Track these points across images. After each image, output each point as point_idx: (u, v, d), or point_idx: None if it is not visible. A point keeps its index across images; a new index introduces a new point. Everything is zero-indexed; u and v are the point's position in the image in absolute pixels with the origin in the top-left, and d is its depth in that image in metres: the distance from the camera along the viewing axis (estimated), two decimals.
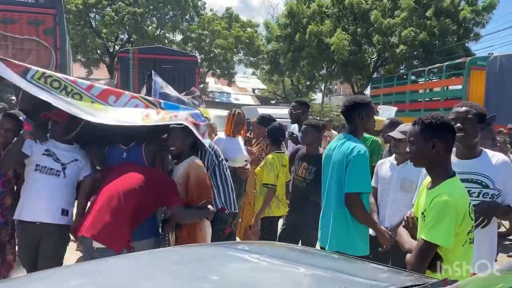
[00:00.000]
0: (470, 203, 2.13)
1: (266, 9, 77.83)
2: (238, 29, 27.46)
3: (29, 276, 1.96)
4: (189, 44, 27.35)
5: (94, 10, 25.96)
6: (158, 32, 27.11)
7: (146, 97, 3.70)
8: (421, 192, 2.31)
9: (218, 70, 27.63)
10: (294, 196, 4.47)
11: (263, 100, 32.02)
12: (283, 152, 4.68)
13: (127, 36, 27.24)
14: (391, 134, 3.88)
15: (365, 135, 5.11)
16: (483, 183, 2.53)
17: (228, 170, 4.06)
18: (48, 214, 3.23)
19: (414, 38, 17.73)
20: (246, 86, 35.71)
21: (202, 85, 25.05)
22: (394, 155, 3.73)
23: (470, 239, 2.14)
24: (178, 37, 28.03)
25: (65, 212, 3.28)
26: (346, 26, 20.58)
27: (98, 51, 27.28)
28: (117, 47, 26.59)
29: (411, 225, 2.33)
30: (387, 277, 1.70)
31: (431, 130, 2.13)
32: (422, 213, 2.14)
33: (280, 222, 4.70)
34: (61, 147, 3.39)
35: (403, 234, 2.35)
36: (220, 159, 3.96)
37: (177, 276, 1.61)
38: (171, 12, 27.12)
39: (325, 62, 21.55)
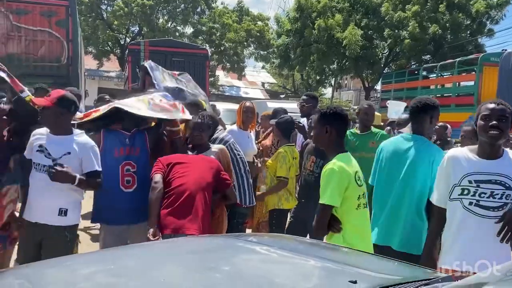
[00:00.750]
0: (357, 172, 2.58)
1: (277, 2, 77.48)
2: (249, 22, 27.37)
3: (44, 262, 2.00)
4: (199, 38, 27.34)
5: (106, 2, 26.06)
6: (169, 25, 27.14)
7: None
8: None
9: (228, 64, 27.60)
10: (302, 189, 4.48)
11: (273, 94, 31.95)
12: (294, 145, 4.69)
13: (138, 29, 27.30)
14: (401, 131, 3.89)
15: (373, 129, 5.12)
16: (506, 184, 2.44)
17: (246, 164, 4.10)
18: (44, 215, 3.05)
19: (423, 32, 17.54)
20: (256, 80, 35.64)
21: (212, 79, 25.06)
22: None
23: (363, 204, 2.57)
24: (189, 30, 28.04)
25: (63, 212, 3.04)
26: (357, 20, 20.43)
27: (109, 43, 27.40)
28: (128, 40, 26.69)
29: None
30: (397, 271, 1.70)
31: (325, 118, 2.59)
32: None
33: (288, 215, 4.72)
34: (54, 139, 3.10)
35: None
36: (237, 153, 4.00)
37: (188, 265, 1.63)
38: (182, 5, 27.11)
39: (336, 56, 21.44)
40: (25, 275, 1.49)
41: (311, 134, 4.63)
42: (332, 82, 27.30)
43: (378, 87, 21.95)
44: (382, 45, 21.81)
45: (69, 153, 3.03)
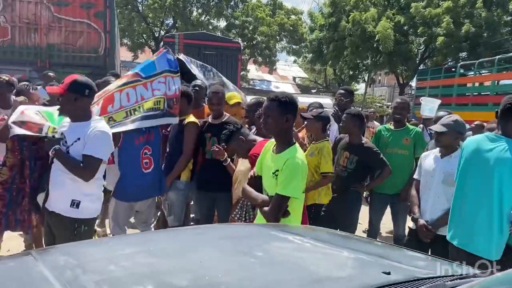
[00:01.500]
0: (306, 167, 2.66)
1: None
2: (282, 16, 27.25)
3: (87, 242, 2.09)
4: (232, 31, 27.42)
5: None
6: (202, 18, 27.33)
7: (128, 80, 4.07)
8: (265, 155, 2.78)
9: (260, 58, 27.60)
10: (334, 184, 4.47)
11: (304, 89, 31.78)
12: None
13: (172, 22, 27.63)
14: (432, 127, 3.82)
15: (409, 125, 5.03)
16: None
17: None
18: (57, 204, 3.05)
19: (458, 29, 16.98)
20: (287, 74, 35.51)
21: (243, 72, 25.13)
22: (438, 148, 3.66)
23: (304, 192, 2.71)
24: (222, 23, 28.17)
25: (75, 204, 2.96)
26: (392, 15, 20.00)
27: (144, 36, 27.84)
28: (162, 32, 27.05)
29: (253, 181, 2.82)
30: (431, 265, 1.70)
31: (285, 107, 2.63)
32: (274, 173, 2.60)
33: None
34: (72, 127, 3.08)
35: (252, 190, 2.78)
36: None
37: (223, 249, 1.67)
38: None
39: (369, 51, 21.09)
40: (70, 253, 1.57)
41: (345, 129, 4.62)
42: (366, 78, 26.87)
43: (413, 83, 21.46)
44: (418, 41, 21.31)
45: (78, 139, 2.98)
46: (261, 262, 1.54)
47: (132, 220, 4.44)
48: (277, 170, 2.59)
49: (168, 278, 1.35)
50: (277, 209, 2.56)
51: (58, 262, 1.46)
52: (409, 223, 3.74)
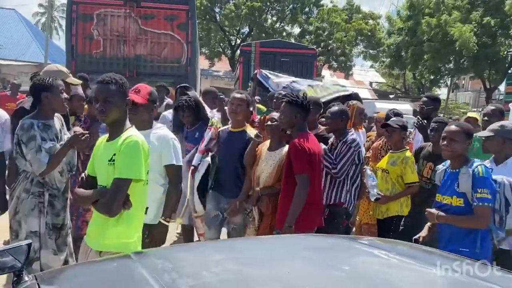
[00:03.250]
0: (149, 149, 2.46)
1: None
2: (359, 21, 26.76)
3: (179, 246, 2.21)
4: (306, 37, 27.43)
5: (218, 5, 27.38)
6: (277, 25, 27.65)
7: None
8: (97, 151, 2.51)
9: (335, 63, 27.30)
10: (417, 196, 4.30)
11: (381, 94, 30.84)
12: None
13: (247, 30, 28.26)
14: (479, 134, 3.67)
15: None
16: None
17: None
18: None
19: None
20: (363, 79, 34.71)
21: (318, 78, 25.01)
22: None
23: (147, 180, 2.45)
24: (296, 30, 28.29)
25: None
26: (479, 17, 18.82)
27: (221, 44, 28.75)
28: (238, 41, 27.74)
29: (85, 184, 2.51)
30: None
31: (124, 94, 2.43)
32: (110, 160, 2.34)
33: None
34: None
35: (82, 190, 2.47)
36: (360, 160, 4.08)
37: (308, 261, 1.69)
38: (291, 5, 27.42)
39: (452, 55, 20.02)
40: (165, 256, 1.68)
41: (435, 137, 4.43)
42: (448, 82, 25.50)
43: (502, 88, 20.00)
44: (508, 42, 19.86)
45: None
46: (347, 277, 1.53)
47: None
48: (114, 154, 2.35)
49: (258, 286, 1.39)
50: (115, 196, 2.28)
51: (156, 265, 1.56)
52: None
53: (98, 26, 9.70)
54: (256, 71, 6.47)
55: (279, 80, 6.44)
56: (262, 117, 4.09)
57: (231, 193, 3.83)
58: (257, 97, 6.08)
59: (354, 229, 4.90)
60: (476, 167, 2.94)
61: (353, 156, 3.95)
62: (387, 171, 4.31)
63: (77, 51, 9.55)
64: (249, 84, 10.02)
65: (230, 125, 4.06)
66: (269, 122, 3.78)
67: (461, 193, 2.97)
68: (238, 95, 3.88)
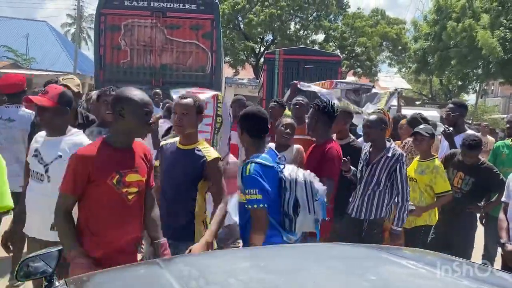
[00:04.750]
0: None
1: (415, 5, 73.45)
2: (384, 25, 26.54)
3: (205, 254, 2.23)
4: (330, 44, 27.34)
5: (241, 13, 27.62)
6: (301, 33, 27.67)
7: None
8: None
9: (360, 69, 27.10)
10: (447, 206, 4.21)
11: (407, 100, 30.36)
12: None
13: (271, 38, 28.38)
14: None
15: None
16: None
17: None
18: (37, 229, 2.77)
19: None
20: (388, 85, 34.20)
21: None
22: None
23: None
24: (321, 36, 28.23)
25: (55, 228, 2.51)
26: (506, 21, 18.37)
27: (245, 52, 28.94)
28: (262, 49, 27.87)
29: None
30: None
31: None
32: None
33: None
34: (49, 142, 2.77)
35: None
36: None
37: (334, 270, 1.68)
38: (315, 12, 27.42)
39: (480, 60, 19.58)
40: (192, 263, 1.70)
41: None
42: (477, 88, 24.93)
43: None
44: None
45: (60, 156, 2.70)
46: (374, 286, 1.51)
47: None
48: None
49: None
50: None
51: (182, 272, 1.58)
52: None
53: (125, 36, 9.91)
54: (295, 81, 6.81)
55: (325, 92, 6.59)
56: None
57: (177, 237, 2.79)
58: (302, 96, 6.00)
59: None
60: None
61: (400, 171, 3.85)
62: (415, 180, 4.24)
63: (105, 61, 9.78)
64: (285, 91, 10.11)
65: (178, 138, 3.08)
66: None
67: None
68: (183, 101, 2.91)
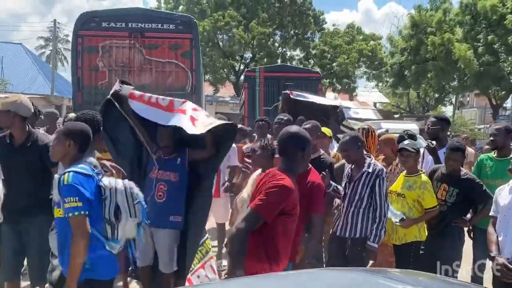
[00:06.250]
0: None
1: (390, 20, 75.20)
2: (360, 42, 27.02)
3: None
4: (310, 61, 27.65)
5: (222, 31, 27.71)
6: (280, 50, 27.93)
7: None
8: None
9: (339, 86, 27.43)
10: (433, 219, 4.18)
11: (386, 114, 30.83)
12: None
13: (251, 55, 28.54)
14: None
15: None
16: None
17: None
18: None
19: None
20: (367, 100, 34.79)
21: None
22: None
23: None
24: (300, 53, 28.54)
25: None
26: (478, 35, 18.90)
27: (225, 70, 29.00)
28: (242, 66, 27.98)
29: None
30: None
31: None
32: None
33: None
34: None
35: None
36: None
37: None
38: (292, 30, 27.76)
39: (456, 73, 20.04)
40: None
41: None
42: (453, 100, 25.46)
43: (508, 105, 19.91)
44: (511, 59, 19.88)
45: None
46: None
47: None
48: None
49: None
50: None
51: None
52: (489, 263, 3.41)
53: (103, 57, 9.76)
54: (287, 91, 6.52)
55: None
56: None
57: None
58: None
59: None
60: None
61: (380, 186, 3.82)
62: (403, 195, 4.20)
63: (83, 83, 9.59)
64: (278, 104, 9.99)
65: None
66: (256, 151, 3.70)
67: None
68: None
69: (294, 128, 3.06)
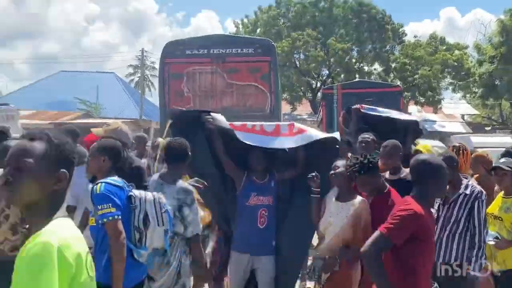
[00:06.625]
0: None
1: (476, 28, 70.53)
2: (444, 52, 25.70)
3: None
4: (390, 75, 26.85)
5: (299, 50, 27.86)
6: (358, 65, 27.47)
7: None
8: None
9: (422, 98, 26.21)
10: None
11: (476, 127, 28.82)
12: None
13: (327, 72, 28.38)
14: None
15: None
16: None
17: None
18: None
19: None
20: (453, 112, 32.79)
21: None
22: None
23: None
24: (379, 68, 27.83)
25: None
26: None
27: (302, 88, 29.09)
28: (318, 84, 27.90)
29: None
30: None
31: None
32: None
33: None
34: None
35: None
36: None
37: None
38: (370, 45, 27.20)
39: None
40: None
41: None
42: None
43: None
44: None
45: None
46: None
47: None
48: None
49: None
50: None
51: None
52: None
53: (188, 83, 10.32)
54: (357, 106, 5.86)
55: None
56: None
57: None
58: None
59: None
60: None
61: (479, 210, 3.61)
62: (500, 218, 3.90)
63: (169, 108, 10.20)
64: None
65: None
66: (332, 172, 3.53)
67: None
68: None
69: (425, 156, 3.01)
